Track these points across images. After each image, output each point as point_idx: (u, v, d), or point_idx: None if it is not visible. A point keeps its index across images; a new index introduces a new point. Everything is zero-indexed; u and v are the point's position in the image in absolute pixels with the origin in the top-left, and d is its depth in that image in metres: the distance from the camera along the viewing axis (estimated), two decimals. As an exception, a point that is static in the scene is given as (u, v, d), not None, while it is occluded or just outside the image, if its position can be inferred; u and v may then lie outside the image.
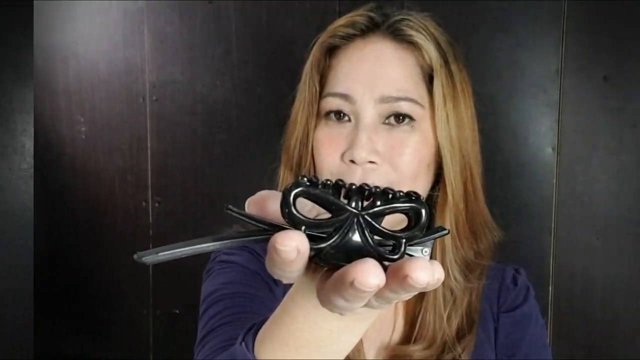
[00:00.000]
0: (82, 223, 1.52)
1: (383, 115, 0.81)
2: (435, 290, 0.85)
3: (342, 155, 0.80)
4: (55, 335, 1.53)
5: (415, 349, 0.86)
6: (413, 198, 0.43)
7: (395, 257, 0.42)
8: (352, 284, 0.38)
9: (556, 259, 1.27)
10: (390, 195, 0.42)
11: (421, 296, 0.87)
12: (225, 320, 0.79)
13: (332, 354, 0.51)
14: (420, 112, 0.82)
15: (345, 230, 0.42)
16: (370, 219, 0.42)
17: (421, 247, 0.45)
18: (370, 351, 0.88)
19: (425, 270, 0.39)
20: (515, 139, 1.27)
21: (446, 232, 0.47)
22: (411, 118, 0.81)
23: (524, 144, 1.27)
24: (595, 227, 1.25)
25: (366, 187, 0.42)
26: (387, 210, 0.43)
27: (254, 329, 0.56)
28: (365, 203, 0.43)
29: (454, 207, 0.84)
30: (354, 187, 0.42)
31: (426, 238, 0.45)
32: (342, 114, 0.82)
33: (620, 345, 1.24)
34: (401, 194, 0.43)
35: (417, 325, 0.87)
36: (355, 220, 0.42)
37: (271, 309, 0.54)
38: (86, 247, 1.52)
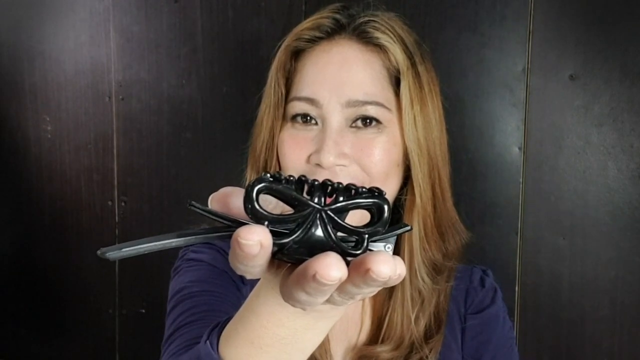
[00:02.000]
0: (47, 222, 1.51)
1: (350, 119, 0.80)
2: (403, 291, 0.85)
3: (309, 158, 0.80)
4: (19, 335, 1.52)
5: (383, 350, 0.85)
6: (376, 194, 0.43)
7: (358, 252, 0.42)
8: (314, 277, 0.39)
9: (523, 259, 1.27)
10: (353, 191, 0.43)
11: (389, 297, 0.87)
12: (191, 318, 0.79)
13: (297, 352, 0.51)
14: (387, 116, 0.81)
15: (308, 226, 0.42)
16: (332, 215, 0.42)
17: (384, 243, 0.46)
18: (337, 351, 0.88)
19: (387, 263, 0.39)
20: (481, 138, 1.27)
21: (409, 228, 0.48)
22: (378, 121, 0.80)
23: (490, 143, 1.27)
24: (561, 227, 1.24)
25: (329, 183, 0.43)
26: (350, 206, 0.43)
27: (219, 326, 0.56)
28: (329, 199, 0.43)
29: (422, 209, 0.84)
30: (316, 183, 0.43)
31: (388, 234, 0.46)
32: (308, 118, 0.81)
33: (587, 345, 1.24)
34: (364, 189, 0.43)
35: (385, 325, 0.87)
36: (318, 215, 0.42)
37: (237, 308, 0.53)
38: (52, 246, 1.52)
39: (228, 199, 0.44)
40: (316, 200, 0.42)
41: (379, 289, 0.42)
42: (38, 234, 1.52)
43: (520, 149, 1.25)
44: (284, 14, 1.37)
